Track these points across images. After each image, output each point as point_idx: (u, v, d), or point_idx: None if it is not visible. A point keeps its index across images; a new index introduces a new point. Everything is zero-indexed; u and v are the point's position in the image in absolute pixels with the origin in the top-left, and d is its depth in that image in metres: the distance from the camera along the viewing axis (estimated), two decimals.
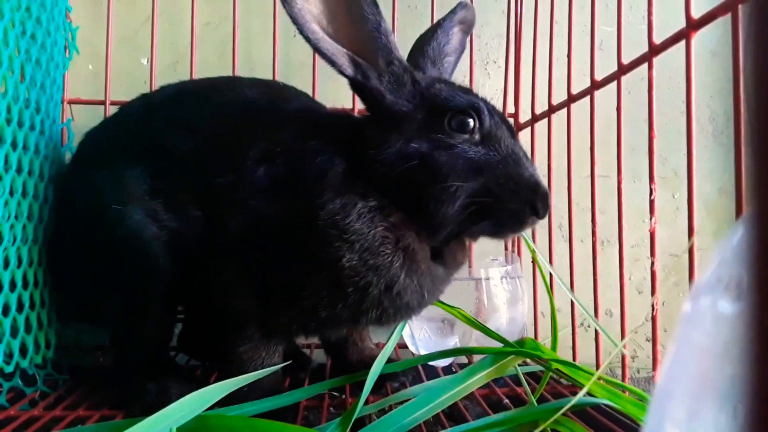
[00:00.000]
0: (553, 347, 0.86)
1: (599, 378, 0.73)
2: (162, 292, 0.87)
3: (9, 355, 0.88)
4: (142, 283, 0.87)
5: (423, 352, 1.10)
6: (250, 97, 0.92)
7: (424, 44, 0.95)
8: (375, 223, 0.76)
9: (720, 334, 0.26)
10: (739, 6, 0.63)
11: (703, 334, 0.27)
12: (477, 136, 0.78)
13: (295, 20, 0.75)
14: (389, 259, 0.77)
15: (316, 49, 0.77)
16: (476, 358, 0.88)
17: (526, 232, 0.82)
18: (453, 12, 0.97)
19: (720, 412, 0.27)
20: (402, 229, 0.78)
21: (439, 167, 0.75)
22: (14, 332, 0.89)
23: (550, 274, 1.00)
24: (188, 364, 1.19)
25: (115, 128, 0.98)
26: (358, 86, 0.81)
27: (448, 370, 1.11)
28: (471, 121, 0.78)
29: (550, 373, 0.87)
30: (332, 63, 0.78)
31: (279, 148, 0.82)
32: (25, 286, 0.91)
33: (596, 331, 0.94)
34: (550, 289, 0.95)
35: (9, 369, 0.88)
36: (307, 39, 0.76)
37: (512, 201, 0.75)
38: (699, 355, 0.27)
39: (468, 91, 0.85)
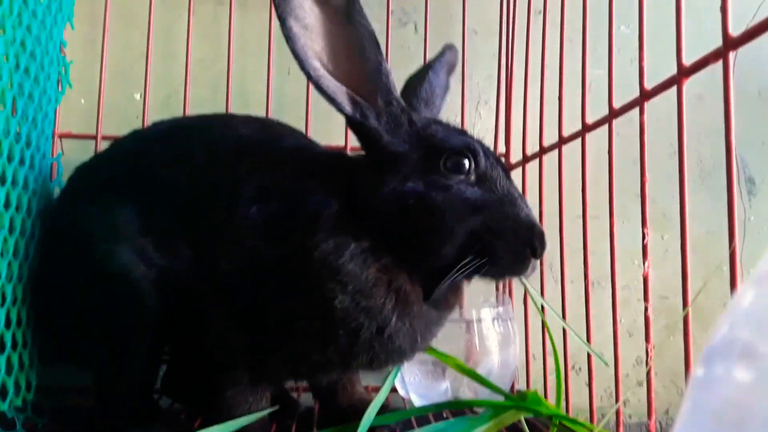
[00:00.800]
0: (557, 403, 0.84)
1: None
2: (148, 334, 0.85)
3: None
4: (128, 324, 0.85)
5: (413, 395, 1.08)
6: (244, 135, 0.91)
7: (416, 85, 0.95)
8: (368, 264, 0.76)
9: (736, 400, 0.26)
10: (729, 54, 0.64)
11: (718, 400, 0.26)
12: (473, 177, 0.78)
13: (296, 55, 0.75)
14: (381, 301, 0.75)
15: (317, 86, 0.77)
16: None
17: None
18: (442, 54, 0.99)
19: None
20: (395, 270, 0.77)
21: (436, 208, 0.75)
22: None
23: (543, 313, 0.99)
24: (172, 407, 1.15)
25: (106, 164, 0.97)
26: (355, 125, 0.81)
27: (439, 415, 1.09)
28: (466, 162, 0.78)
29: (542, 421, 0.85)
30: (332, 100, 0.78)
31: (272, 187, 0.81)
32: (7, 325, 0.89)
33: (589, 375, 0.93)
34: (552, 339, 0.93)
35: None
36: (308, 75, 0.76)
37: (510, 241, 0.75)
38: (713, 420, 0.26)
39: (463, 132, 0.85)
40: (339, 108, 0.78)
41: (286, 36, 0.75)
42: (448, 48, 1.00)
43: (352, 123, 0.81)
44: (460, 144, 0.79)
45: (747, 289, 0.27)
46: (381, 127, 0.80)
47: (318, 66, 0.77)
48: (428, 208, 0.75)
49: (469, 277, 0.81)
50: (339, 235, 0.76)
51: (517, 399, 0.82)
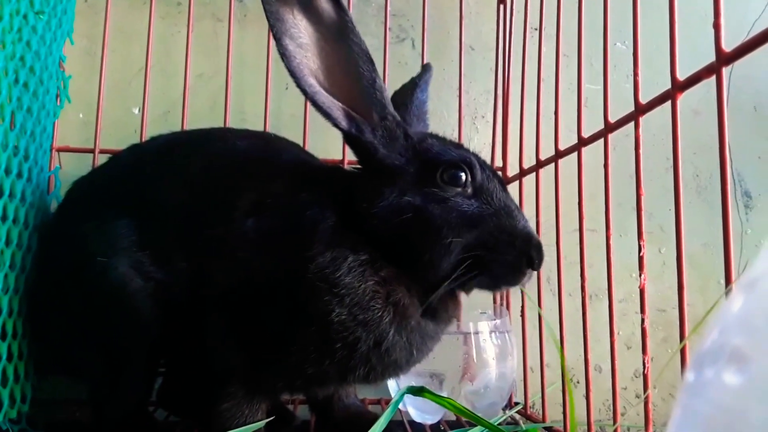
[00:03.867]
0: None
1: None
2: (144, 347, 0.85)
3: None
4: (124, 337, 0.85)
5: (410, 408, 1.08)
6: (240, 148, 0.92)
7: (405, 101, 0.97)
8: (366, 277, 0.76)
9: (725, 404, 0.26)
10: (723, 69, 0.65)
11: (708, 404, 0.26)
12: (469, 190, 0.79)
13: (293, 73, 0.76)
14: (379, 314, 0.76)
15: (313, 102, 0.78)
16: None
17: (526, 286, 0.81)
18: (425, 71, 1.02)
19: None
20: (393, 283, 0.77)
21: (434, 220, 0.76)
22: None
23: (541, 324, 0.99)
24: (168, 419, 1.15)
25: (103, 178, 0.97)
26: (351, 139, 0.82)
27: (436, 428, 1.08)
28: (463, 175, 0.79)
29: None
30: (327, 116, 0.79)
31: (269, 199, 0.82)
32: (3, 337, 0.88)
33: (587, 388, 0.92)
34: (561, 348, 0.92)
35: None
36: (304, 92, 0.77)
37: (507, 253, 0.76)
38: (703, 425, 0.26)
39: (459, 145, 0.86)
40: (335, 123, 0.79)
41: (282, 54, 0.76)
42: (429, 67, 1.04)
43: (348, 137, 0.82)
44: (457, 157, 0.80)
45: (737, 295, 0.28)
46: (377, 141, 0.81)
47: (313, 83, 0.78)
48: (425, 221, 0.76)
49: (466, 287, 0.81)
50: (336, 248, 0.76)
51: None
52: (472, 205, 0.78)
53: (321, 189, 0.83)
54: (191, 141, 0.97)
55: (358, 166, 0.86)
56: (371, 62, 0.78)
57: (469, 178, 0.79)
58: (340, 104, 0.80)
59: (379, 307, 0.76)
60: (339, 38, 0.78)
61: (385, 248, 0.78)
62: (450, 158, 0.80)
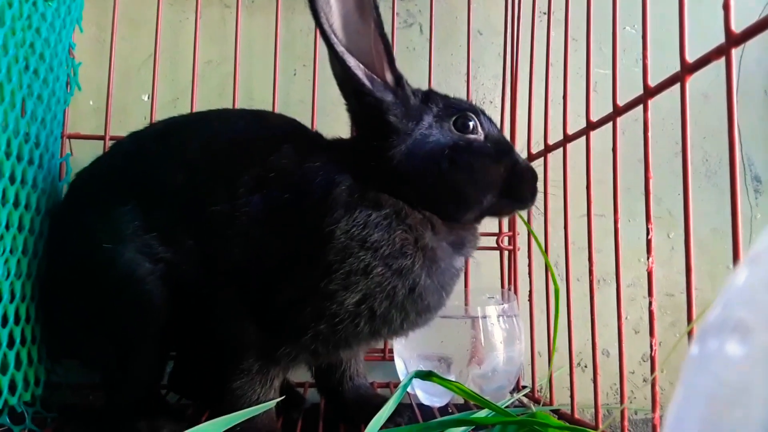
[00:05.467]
0: None
1: None
2: (155, 332, 0.86)
3: None
4: (135, 323, 0.86)
5: (419, 391, 1.08)
6: (238, 126, 0.93)
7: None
8: (393, 228, 0.79)
9: (728, 378, 0.26)
10: (732, 50, 0.64)
11: (711, 378, 0.27)
12: (482, 136, 0.86)
13: (323, 33, 0.78)
14: (410, 260, 0.79)
15: (341, 62, 0.80)
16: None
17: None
18: None
19: None
20: (419, 229, 0.81)
21: (467, 165, 0.82)
22: (4, 368, 0.88)
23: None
24: (179, 402, 1.16)
25: (105, 165, 0.98)
26: (369, 104, 0.82)
27: (444, 410, 1.09)
28: (473, 123, 0.85)
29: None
30: (352, 77, 0.81)
31: (273, 173, 0.83)
32: (17, 321, 0.90)
33: (594, 372, 0.93)
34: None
35: None
36: (335, 52, 0.79)
37: (523, 181, 0.87)
38: (706, 399, 0.27)
39: (457, 98, 0.91)
40: (357, 84, 0.81)
41: (313, 12, 0.77)
42: None
43: (365, 101, 0.82)
44: (467, 106, 0.87)
45: (742, 269, 0.28)
46: (398, 102, 0.83)
47: (341, 48, 0.80)
48: (459, 166, 0.81)
49: (496, 214, 0.91)
50: (356, 209, 0.78)
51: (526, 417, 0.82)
52: (489, 147, 0.85)
53: (326, 155, 0.84)
54: (189, 123, 0.98)
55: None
56: (383, 26, 0.81)
57: (479, 125, 0.86)
58: (363, 66, 0.82)
59: (411, 252, 0.79)
60: (359, 5, 0.80)
61: (410, 196, 0.81)
62: (462, 107, 0.87)
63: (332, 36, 0.78)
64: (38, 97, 1.01)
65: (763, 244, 0.27)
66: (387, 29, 0.83)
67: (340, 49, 0.79)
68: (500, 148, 0.87)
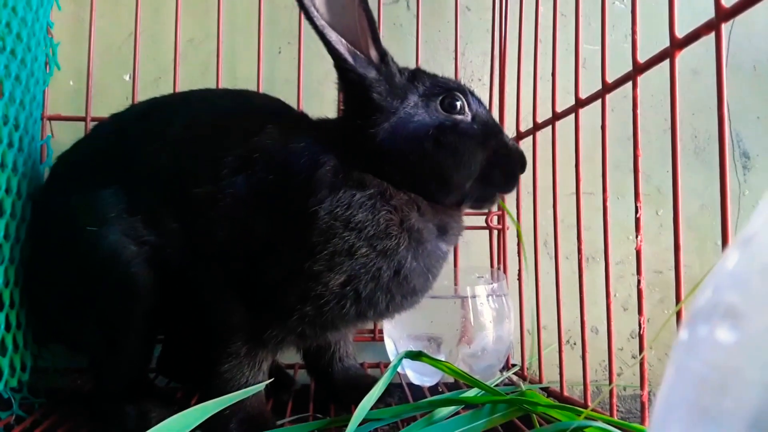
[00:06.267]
0: None
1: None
2: (142, 315, 0.85)
3: None
4: (121, 307, 0.85)
5: (409, 371, 1.09)
6: (222, 106, 0.92)
7: None
8: (377, 208, 0.78)
9: (718, 363, 0.26)
10: (722, 25, 0.63)
11: (701, 363, 0.26)
12: (468, 116, 0.84)
13: (303, 7, 0.77)
14: (395, 241, 0.78)
15: (321, 36, 0.78)
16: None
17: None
18: None
19: None
20: (404, 210, 0.80)
21: (450, 143, 0.80)
22: None
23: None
24: (169, 386, 1.16)
25: (86, 149, 0.96)
26: (352, 80, 0.82)
27: (434, 390, 1.10)
28: (459, 103, 0.83)
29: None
30: (334, 51, 0.80)
31: (256, 154, 0.81)
32: (0, 306, 0.89)
33: (583, 349, 0.93)
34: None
35: None
36: (314, 25, 0.78)
37: (508, 165, 0.85)
38: (696, 384, 0.26)
39: (445, 78, 0.89)
40: (340, 59, 0.80)
41: None
42: None
43: (348, 77, 0.82)
44: (454, 85, 0.85)
45: (732, 252, 0.27)
46: (381, 78, 0.82)
47: (320, 19, 0.78)
48: (443, 145, 0.80)
49: (480, 201, 0.88)
50: (341, 189, 0.77)
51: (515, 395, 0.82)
52: (475, 127, 0.84)
53: (310, 135, 0.83)
54: (171, 103, 0.96)
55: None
56: (367, 2, 0.79)
57: (466, 105, 0.84)
58: (346, 42, 0.80)
59: (395, 233, 0.78)
60: None
61: (394, 177, 0.80)
62: (449, 86, 0.85)
63: (312, 9, 0.77)
64: (16, 78, 0.98)
65: (755, 226, 0.27)
66: (373, 5, 0.81)
67: (321, 23, 0.78)
68: (487, 129, 0.85)
